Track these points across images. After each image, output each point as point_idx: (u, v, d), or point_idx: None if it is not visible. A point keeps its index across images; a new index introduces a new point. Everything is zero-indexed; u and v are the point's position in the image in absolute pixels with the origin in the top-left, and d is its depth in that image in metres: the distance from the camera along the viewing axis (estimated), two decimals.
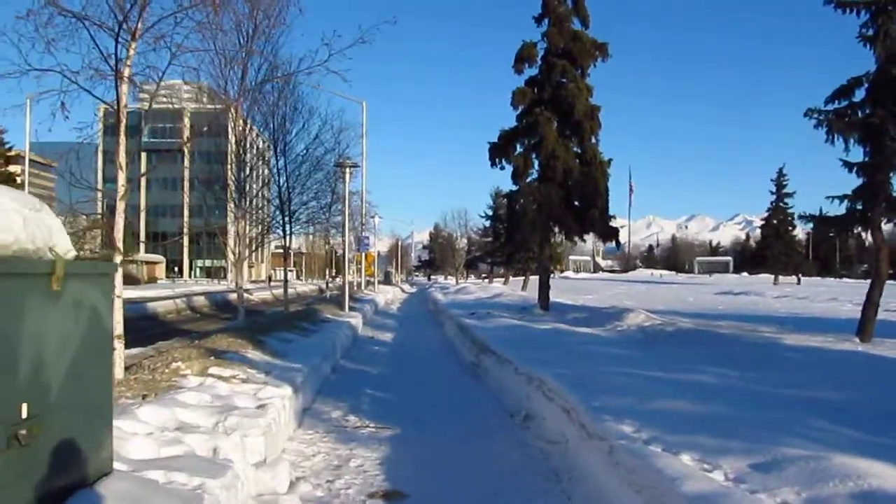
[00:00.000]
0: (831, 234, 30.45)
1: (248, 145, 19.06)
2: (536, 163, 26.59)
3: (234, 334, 12.95)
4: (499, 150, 26.92)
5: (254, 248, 17.45)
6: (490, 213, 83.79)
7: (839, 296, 40.04)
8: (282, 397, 8.37)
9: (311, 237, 43.66)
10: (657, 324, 16.39)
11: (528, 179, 26.56)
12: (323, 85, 15.97)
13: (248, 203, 14.47)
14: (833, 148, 16.30)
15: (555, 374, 9.92)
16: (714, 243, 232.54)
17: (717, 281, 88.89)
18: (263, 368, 10.10)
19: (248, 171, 14.62)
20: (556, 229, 27.39)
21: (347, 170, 25.99)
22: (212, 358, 10.05)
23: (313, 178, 21.76)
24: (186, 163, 23.53)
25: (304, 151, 20.48)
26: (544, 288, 27.36)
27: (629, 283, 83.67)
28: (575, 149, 26.32)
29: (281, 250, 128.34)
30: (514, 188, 27.09)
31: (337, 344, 16.24)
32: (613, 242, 26.85)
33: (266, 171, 20.74)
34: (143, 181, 20.31)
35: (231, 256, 14.60)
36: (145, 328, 25.65)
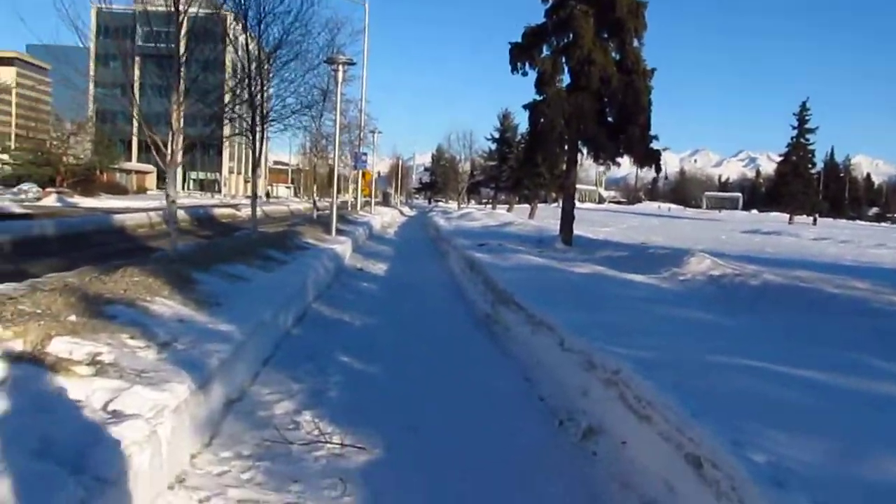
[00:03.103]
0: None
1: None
2: (567, 68, 22.32)
3: (157, 269, 8.97)
4: (522, 52, 22.57)
5: (196, 147, 13.69)
6: (497, 135, 79.27)
7: (886, 241, 36.08)
8: (156, 411, 4.45)
9: (307, 152, 39.55)
10: (731, 274, 12.46)
11: (556, 88, 22.29)
12: None
13: (181, 83, 10.26)
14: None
15: (636, 362, 6.06)
16: (722, 178, 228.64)
17: (729, 217, 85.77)
18: (164, 336, 6.14)
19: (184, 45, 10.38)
20: (585, 149, 23.24)
21: (341, 67, 21.68)
22: (82, 315, 6.09)
23: (292, 69, 17.55)
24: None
25: (283, 34, 16.18)
26: (568, 219, 23.35)
27: (639, 215, 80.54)
28: (614, 54, 22.00)
29: (280, 166, 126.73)
30: (538, 98, 22.77)
31: (309, 281, 12.32)
32: (653, 168, 22.69)
33: (231, 54, 16.55)
34: (136, 87, 16.79)
35: (158, 156, 10.51)
36: (95, 244, 21.90)
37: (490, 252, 18.00)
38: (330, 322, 10.70)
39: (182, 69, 10.28)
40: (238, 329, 7.06)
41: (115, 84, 15.28)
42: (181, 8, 10.24)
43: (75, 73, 13.20)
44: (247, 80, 15.65)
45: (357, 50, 41.49)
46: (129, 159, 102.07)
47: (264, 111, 16.79)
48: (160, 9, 11.40)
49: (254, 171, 17.43)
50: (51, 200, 47.29)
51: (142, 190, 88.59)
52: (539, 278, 12.36)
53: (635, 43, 21.69)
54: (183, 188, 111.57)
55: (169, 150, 10.28)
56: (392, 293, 14.54)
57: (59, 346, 5.13)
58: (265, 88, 16.63)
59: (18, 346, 5.03)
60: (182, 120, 10.26)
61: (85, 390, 4.45)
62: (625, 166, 28.05)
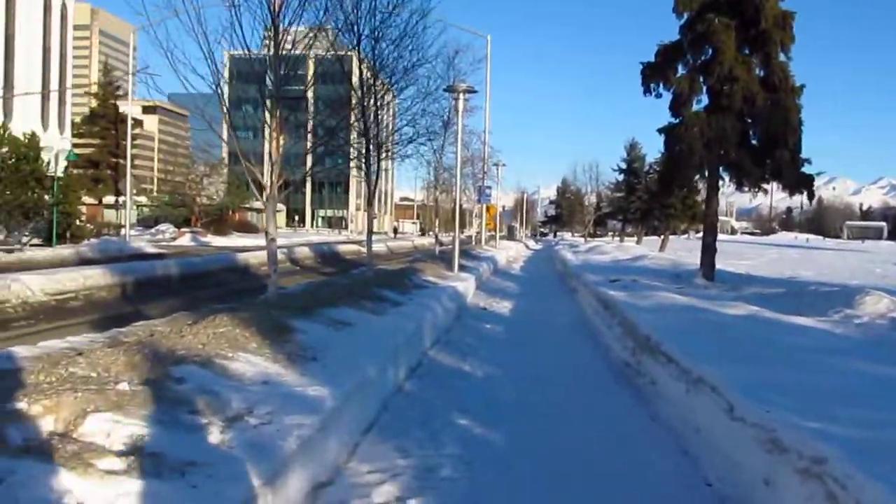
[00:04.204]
0: None
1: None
2: (705, 88, 20.51)
3: (251, 316, 7.91)
4: (655, 72, 20.90)
5: (301, 177, 12.75)
6: (624, 166, 76.85)
7: None
8: None
9: (432, 188, 38.98)
10: None
11: (694, 109, 20.51)
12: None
13: (277, 115, 9.22)
14: None
15: (846, 447, 4.49)
16: (863, 207, 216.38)
17: (875, 248, 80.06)
18: (236, 406, 4.97)
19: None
20: (727, 176, 21.28)
21: (461, 95, 20.61)
22: (141, 380, 5.00)
23: (407, 96, 16.58)
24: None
25: (396, 57, 15.19)
26: (710, 251, 21.32)
27: (776, 246, 76.37)
28: (758, 70, 20.07)
29: (406, 202, 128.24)
30: (674, 121, 20.98)
31: (426, 325, 11.10)
32: (805, 195, 20.48)
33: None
34: (267, 129, 16.68)
35: (258, 191, 9.57)
36: (216, 284, 21.64)
37: (624, 289, 16.38)
38: (447, 374, 9.40)
39: (272, 100, 9.31)
40: (333, 391, 5.85)
41: (246, 126, 14.77)
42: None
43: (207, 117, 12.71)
44: (360, 109, 14.71)
45: (479, 79, 40.55)
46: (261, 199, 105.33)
47: (379, 141, 15.86)
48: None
49: (369, 204, 16.44)
50: (185, 240, 48.63)
51: None
52: (686, 321, 10.71)
53: (782, 57, 19.70)
54: (312, 225, 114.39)
55: (267, 184, 9.28)
56: (518, 337, 13.14)
57: (95, 426, 4.02)
58: (379, 117, 15.70)
59: (48, 424, 3.98)
60: (280, 152, 9.23)
61: (101, 500, 3.28)
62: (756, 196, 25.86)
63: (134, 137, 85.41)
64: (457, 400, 7.90)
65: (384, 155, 16.54)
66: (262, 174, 9.94)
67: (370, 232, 16.99)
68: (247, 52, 9.70)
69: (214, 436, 4.37)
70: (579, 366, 10.58)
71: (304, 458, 4.75)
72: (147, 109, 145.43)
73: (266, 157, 9.53)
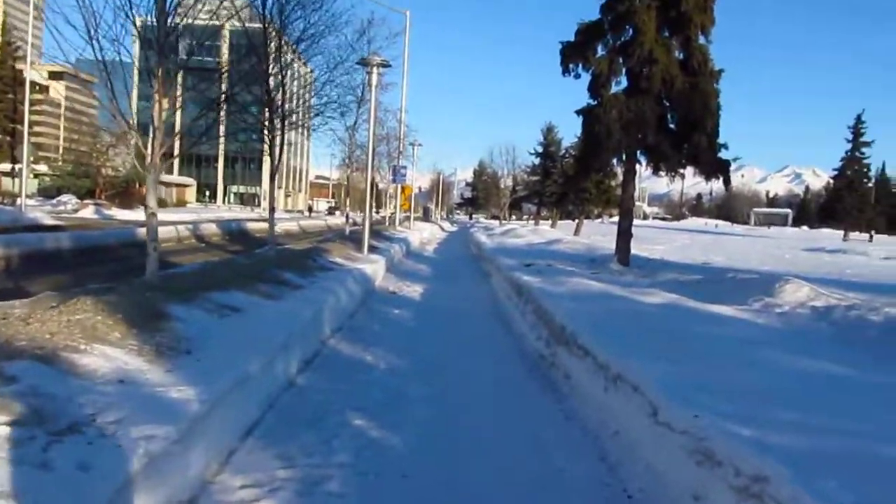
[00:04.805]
0: None
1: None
2: (624, 70, 20.07)
3: (121, 300, 6.94)
4: (574, 52, 20.33)
5: (187, 146, 11.71)
6: (540, 149, 77.07)
7: None
8: None
9: (348, 166, 37.83)
10: (840, 306, 10.14)
11: (613, 91, 20.06)
12: None
13: (167, 58, 8.18)
14: None
15: (787, 460, 3.94)
16: (769, 194, 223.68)
17: (780, 234, 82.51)
18: (74, 414, 4.08)
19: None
20: (644, 160, 20.93)
21: (375, 69, 19.65)
22: None
23: (315, 65, 15.57)
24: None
25: (305, 25, 14.19)
26: (626, 237, 20.97)
27: (687, 231, 77.90)
28: (677, 53, 19.72)
29: (322, 180, 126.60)
30: (592, 102, 20.47)
31: (326, 310, 10.24)
32: (722, 180, 20.27)
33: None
34: (178, 101, 15.39)
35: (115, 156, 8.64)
36: (110, 259, 20.27)
37: (539, 274, 15.81)
38: (347, 365, 8.59)
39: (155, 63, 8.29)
40: (203, 390, 5.00)
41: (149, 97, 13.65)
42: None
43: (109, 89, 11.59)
44: (259, 75, 13.64)
45: (394, 54, 39.54)
46: (171, 172, 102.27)
47: (283, 113, 14.81)
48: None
49: (272, 179, 15.41)
50: (88, 212, 46.28)
51: (181, 203, 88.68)
52: (603, 310, 10.14)
53: (702, 40, 19.39)
54: (223, 201, 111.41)
55: (149, 152, 8.25)
56: (427, 323, 12.40)
57: None
58: (284, 86, 14.64)
59: None
60: (161, 119, 8.21)
61: None
62: (663, 181, 25.71)
63: (37, 103, 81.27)
64: (355, 396, 7.11)
65: (287, 127, 15.45)
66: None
67: (272, 209, 16.00)
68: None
69: (30, 457, 3.48)
70: (491, 357, 9.90)
71: (154, 479, 3.91)
72: (53, 75, 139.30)
73: (153, 120, 8.42)
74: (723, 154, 19.79)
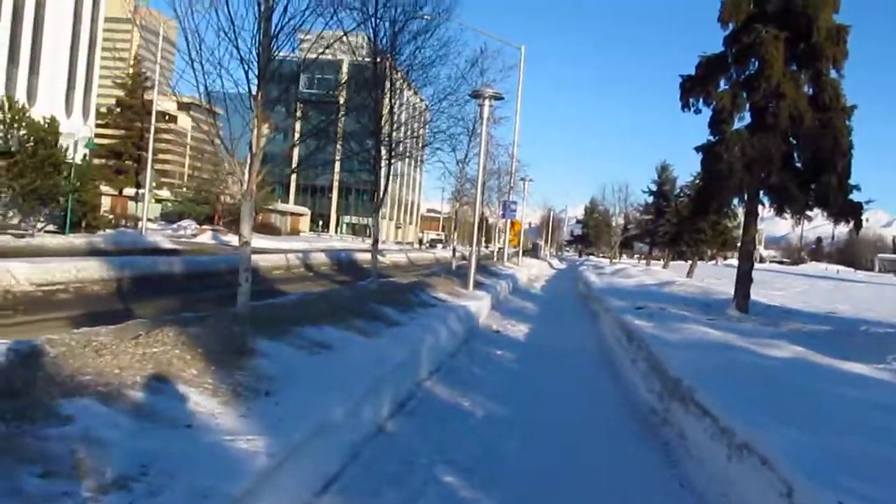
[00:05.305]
0: None
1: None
2: (748, 105, 18.99)
3: (206, 332, 6.61)
4: (695, 85, 19.39)
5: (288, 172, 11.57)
6: (654, 188, 75.16)
7: None
8: None
9: (457, 200, 37.71)
10: None
11: (735, 127, 19.00)
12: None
13: (260, 92, 7.88)
14: None
15: None
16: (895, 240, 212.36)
17: None
18: (117, 470, 3.67)
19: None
20: (767, 200, 19.71)
21: (487, 102, 19.26)
22: (11, 418, 3.73)
23: (427, 96, 15.23)
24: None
25: (415, 50, 13.92)
26: (745, 281, 19.72)
27: (806, 277, 74.44)
28: (806, 88, 18.54)
29: (433, 213, 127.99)
30: (713, 139, 19.44)
31: (424, 350, 9.73)
32: (853, 224, 18.85)
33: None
34: (296, 132, 15.67)
35: (232, 185, 8.43)
36: (217, 285, 20.35)
37: (651, 318, 14.94)
38: (442, 411, 8.03)
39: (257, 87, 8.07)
40: (277, 441, 4.53)
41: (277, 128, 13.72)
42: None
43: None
44: (370, 104, 13.38)
45: (507, 87, 39.12)
46: (287, 201, 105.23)
47: (390, 142, 14.51)
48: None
49: (376, 210, 15.12)
50: (205, 237, 47.79)
51: (295, 231, 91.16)
52: (723, 363, 9.26)
53: (833, 74, 18.16)
54: (336, 231, 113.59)
55: (246, 179, 7.98)
56: (530, 367, 11.74)
57: None
58: (394, 115, 14.35)
59: None
60: (260, 145, 7.93)
61: None
62: (783, 224, 24.23)
63: (165, 132, 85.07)
64: (448, 447, 6.55)
65: (394, 157, 15.12)
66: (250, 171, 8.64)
67: (375, 241, 15.65)
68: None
69: None
70: (597, 407, 9.19)
71: None
72: (182, 106, 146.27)
73: (251, 147, 8.17)
74: (854, 196, 18.39)
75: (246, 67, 8.16)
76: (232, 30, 7.85)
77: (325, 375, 6.62)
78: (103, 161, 64.73)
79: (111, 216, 49.74)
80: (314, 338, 7.90)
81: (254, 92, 8.11)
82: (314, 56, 10.14)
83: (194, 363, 5.61)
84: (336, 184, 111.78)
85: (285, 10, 8.26)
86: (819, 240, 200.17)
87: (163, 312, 10.13)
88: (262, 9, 8.00)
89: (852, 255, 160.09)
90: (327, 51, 10.28)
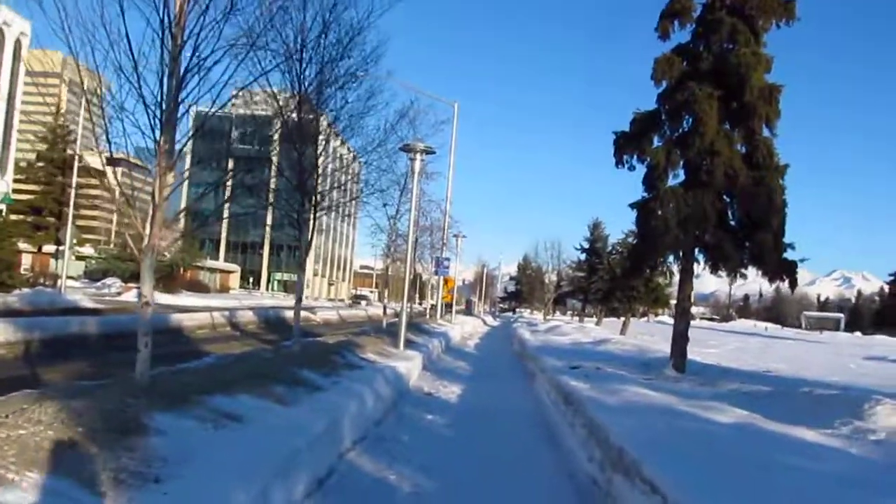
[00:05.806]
0: None
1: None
2: (682, 161, 18.90)
3: (92, 406, 5.76)
4: (629, 142, 19.23)
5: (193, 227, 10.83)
6: (587, 245, 75.83)
7: None
8: None
9: (389, 256, 37.15)
10: None
11: (670, 184, 18.85)
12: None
13: (172, 144, 7.19)
14: None
15: None
16: (820, 298, 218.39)
17: (832, 339, 79.31)
18: None
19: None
20: (702, 258, 19.52)
21: (418, 156, 18.78)
22: None
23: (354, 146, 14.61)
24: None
25: (343, 102, 13.36)
26: (681, 340, 19.40)
27: (735, 334, 75.47)
28: (739, 146, 18.53)
29: (366, 270, 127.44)
30: (647, 195, 19.26)
31: (346, 420, 8.92)
32: (787, 283, 18.74)
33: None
34: (227, 186, 14.88)
35: (130, 239, 7.61)
36: (135, 347, 19.24)
37: (588, 379, 14.39)
38: (365, 487, 7.25)
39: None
40: None
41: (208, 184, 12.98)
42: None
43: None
44: (295, 154, 12.72)
45: (439, 142, 38.78)
46: (217, 258, 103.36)
47: (312, 194, 13.78)
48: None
49: (300, 266, 14.34)
50: (130, 295, 45.84)
51: (225, 288, 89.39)
52: (666, 429, 8.70)
53: (766, 133, 18.19)
54: (267, 288, 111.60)
55: (146, 232, 7.20)
56: (462, 433, 11.01)
57: None
58: (317, 168, 13.68)
59: None
60: (162, 193, 7.20)
61: None
62: (711, 281, 24.24)
63: (90, 187, 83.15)
64: None
65: (318, 210, 14.38)
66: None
67: (298, 299, 14.85)
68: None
69: None
70: (535, 479, 8.50)
71: None
72: (111, 161, 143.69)
73: (154, 197, 7.41)
74: (788, 254, 18.29)
75: (151, 112, 7.46)
76: (134, 70, 7.14)
77: (231, 454, 5.81)
78: (22, 217, 62.32)
79: (30, 274, 47.65)
80: (223, 408, 7.07)
81: (157, 137, 7.39)
82: (227, 102, 9.49)
83: (70, 446, 4.77)
84: (267, 240, 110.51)
85: (195, 50, 7.62)
86: (747, 297, 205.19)
87: (68, 378, 9.35)
88: (171, 47, 7.32)
89: (779, 312, 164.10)
90: (245, 99, 9.67)
